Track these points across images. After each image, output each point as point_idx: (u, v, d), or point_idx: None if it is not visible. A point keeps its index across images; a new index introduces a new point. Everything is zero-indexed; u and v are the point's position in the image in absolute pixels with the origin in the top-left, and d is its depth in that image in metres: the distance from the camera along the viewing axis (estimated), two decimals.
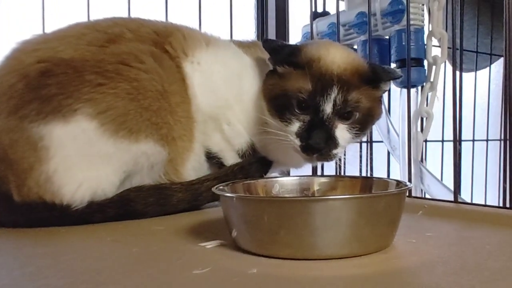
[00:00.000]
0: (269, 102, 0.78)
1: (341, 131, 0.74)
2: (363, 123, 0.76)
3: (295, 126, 0.74)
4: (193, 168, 0.80)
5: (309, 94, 0.72)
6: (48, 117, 0.66)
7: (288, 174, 0.97)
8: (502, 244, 0.56)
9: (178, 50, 0.79)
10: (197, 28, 1.06)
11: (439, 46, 1.01)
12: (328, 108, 0.72)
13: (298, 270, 0.46)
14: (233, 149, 0.83)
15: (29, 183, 0.66)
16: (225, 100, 0.81)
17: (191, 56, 0.80)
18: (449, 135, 1.28)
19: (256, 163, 0.83)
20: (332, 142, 0.72)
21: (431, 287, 0.40)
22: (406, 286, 0.41)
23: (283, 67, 0.76)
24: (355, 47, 1.18)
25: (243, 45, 0.89)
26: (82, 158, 0.67)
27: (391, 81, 0.81)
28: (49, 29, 0.83)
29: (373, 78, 0.75)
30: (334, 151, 0.73)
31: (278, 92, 0.76)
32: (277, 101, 0.76)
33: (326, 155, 0.73)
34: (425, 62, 1.03)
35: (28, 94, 0.67)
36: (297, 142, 0.73)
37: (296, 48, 0.79)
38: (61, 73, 0.68)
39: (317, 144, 0.71)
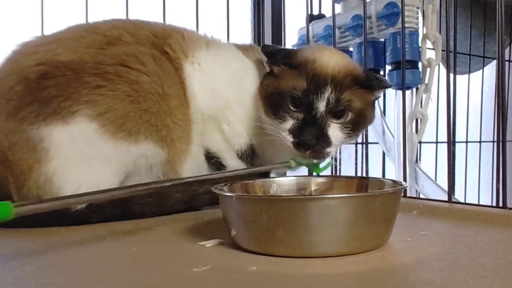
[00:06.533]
0: (264, 101, 0.79)
1: (334, 130, 0.75)
2: (355, 124, 0.77)
3: (289, 123, 0.75)
4: (191, 169, 0.81)
5: (303, 92, 0.74)
6: (48, 119, 0.66)
7: (285, 175, 0.98)
8: (494, 242, 0.58)
9: (178, 51, 0.80)
10: (195, 30, 1.07)
11: (433, 49, 1.02)
12: (321, 106, 0.73)
13: (296, 267, 0.47)
14: (233, 149, 0.84)
15: (29, 184, 0.67)
16: (225, 100, 0.82)
17: (191, 56, 0.81)
18: (443, 136, 1.30)
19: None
20: (324, 140, 0.74)
21: (426, 283, 0.41)
22: (402, 282, 0.42)
23: (279, 67, 0.78)
24: (351, 49, 1.19)
25: (241, 48, 0.90)
26: (82, 159, 0.68)
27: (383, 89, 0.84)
28: (48, 31, 0.83)
29: (366, 82, 0.77)
30: (327, 149, 0.74)
31: (273, 90, 0.77)
32: (271, 99, 0.77)
33: (318, 152, 0.74)
34: (420, 64, 1.04)
35: (28, 96, 0.67)
36: (289, 138, 0.74)
37: (292, 51, 0.81)
38: (60, 75, 0.68)
39: (309, 140, 0.72)
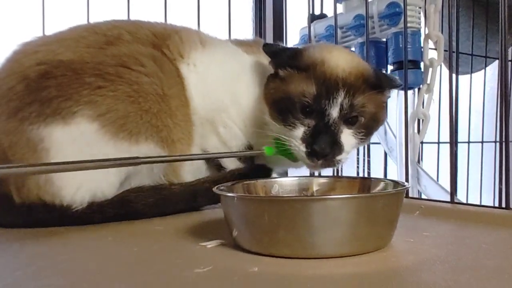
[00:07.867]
0: (271, 106, 0.76)
1: (346, 136, 0.72)
2: (368, 128, 0.74)
3: (300, 131, 0.71)
4: (192, 170, 0.81)
5: (313, 98, 0.71)
6: (48, 119, 0.66)
7: (286, 175, 0.98)
8: (497, 243, 0.57)
9: (175, 53, 0.79)
10: (195, 29, 1.07)
11: (435, 49, 1.02)
12: (334, 112, 0.70)
13: (298, 268, 0.46)
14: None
15: (29, 185, 0.67)
16: (221, 102, 0.81)
17: (187, 58, 0.80)
18: (445, 137, 1.29)
19: (256, 170, 0.83)
20: (337, 147, 0.70)
21: (429, 285, 0.41)
22: (404, 284, 0.42)
23: (285, 70, 0.75)
24: (353, 49, 1.18)
25: (244, 44, 0.89)
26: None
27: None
28: (48, 31, 0.83)
29: (377, 84, 0.74)
30: (338, 157, 0.71)
31: (280, 96, 0.74)
32: (279, 105, 0.74)
33: (330, 161, 0.71)
34: (422, 64, 1.04)
35: (28, 96, 0.67)
36: (302, 148, 0.71)
37: (297, 51, 0.77)
38: (61, 75, 0.68)
39: (323, 149, 0.69)
